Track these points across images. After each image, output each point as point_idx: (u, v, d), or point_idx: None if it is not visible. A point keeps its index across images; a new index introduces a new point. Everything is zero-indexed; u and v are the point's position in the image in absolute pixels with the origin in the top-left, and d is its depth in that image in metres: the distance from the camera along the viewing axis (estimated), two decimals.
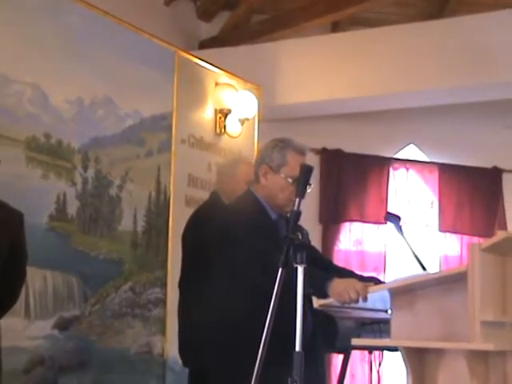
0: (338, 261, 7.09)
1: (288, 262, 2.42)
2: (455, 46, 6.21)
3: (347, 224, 7.22)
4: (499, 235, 2.63)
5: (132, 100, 4.97)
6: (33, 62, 4.33)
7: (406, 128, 7.42)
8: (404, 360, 2.75)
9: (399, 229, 3.51)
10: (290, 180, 3.14)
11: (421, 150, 7.55)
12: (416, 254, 3.46)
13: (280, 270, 2.38)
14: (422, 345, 2.71)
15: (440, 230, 7.33)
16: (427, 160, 7.53)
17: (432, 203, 7.40)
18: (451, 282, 2.75)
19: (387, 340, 2.97)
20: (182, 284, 4.05)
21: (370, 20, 7.26)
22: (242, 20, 7.14)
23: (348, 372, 6.70)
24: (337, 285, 2.86)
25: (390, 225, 3.62)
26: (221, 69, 5.75)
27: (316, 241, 7.06)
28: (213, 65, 5.67)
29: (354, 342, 2.85)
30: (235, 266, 3.08)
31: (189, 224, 4.11)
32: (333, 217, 7.18)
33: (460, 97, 6.52)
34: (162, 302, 5.05)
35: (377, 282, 3.11)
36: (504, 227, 7.22)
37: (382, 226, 7.14)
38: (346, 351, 3.53)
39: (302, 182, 2.56)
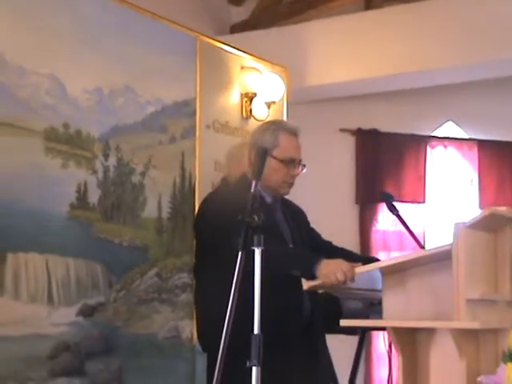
0: (377, 241, 7.06)
1: (247, 245, 2.41)
2: (492, 18, 6.04)
3: (385, 204, 7.10)
4: (484, 212, 2.57)
5: (153, 88, 4.96)
6: (49, 53, 4.33)
7: (444, 105, 7.29)
8: (393, 340, 2.72)
9: (392, 207, 3.46)
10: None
11: (459, 126, 7.41)
12: (412, 231, 3.40)
13: (240, 253, 2.37)
14: (409, 324, 2.67)
15: (480, 208, 7.19)
16: (466, 137, 7.39)
17: (472, 180, 7.27)
18: (442, 259, 2.70)
19: (374, 320, 2.94)
20: (195, 271, 4.07)
21: None
22: (272, 2, 7.10)
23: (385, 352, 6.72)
24: (324, 266, 2.84)
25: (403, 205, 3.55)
26: (246, 52, 5.72)
27: (353, 222, 7.04)
28: (237, 49, 5.65)
29: (343, 322, 2.83)
30: (232, 252, 3.08)
31: (198, 211, 4.12)
32: (370, 197, 7.11)
33: (498, 71, 6.36)
34: (190, 286, 5.03)
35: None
36: None
37: (420, 205, 7.05)
38: (354, 333, 3.50)
39: (257, 165, 2.54)
